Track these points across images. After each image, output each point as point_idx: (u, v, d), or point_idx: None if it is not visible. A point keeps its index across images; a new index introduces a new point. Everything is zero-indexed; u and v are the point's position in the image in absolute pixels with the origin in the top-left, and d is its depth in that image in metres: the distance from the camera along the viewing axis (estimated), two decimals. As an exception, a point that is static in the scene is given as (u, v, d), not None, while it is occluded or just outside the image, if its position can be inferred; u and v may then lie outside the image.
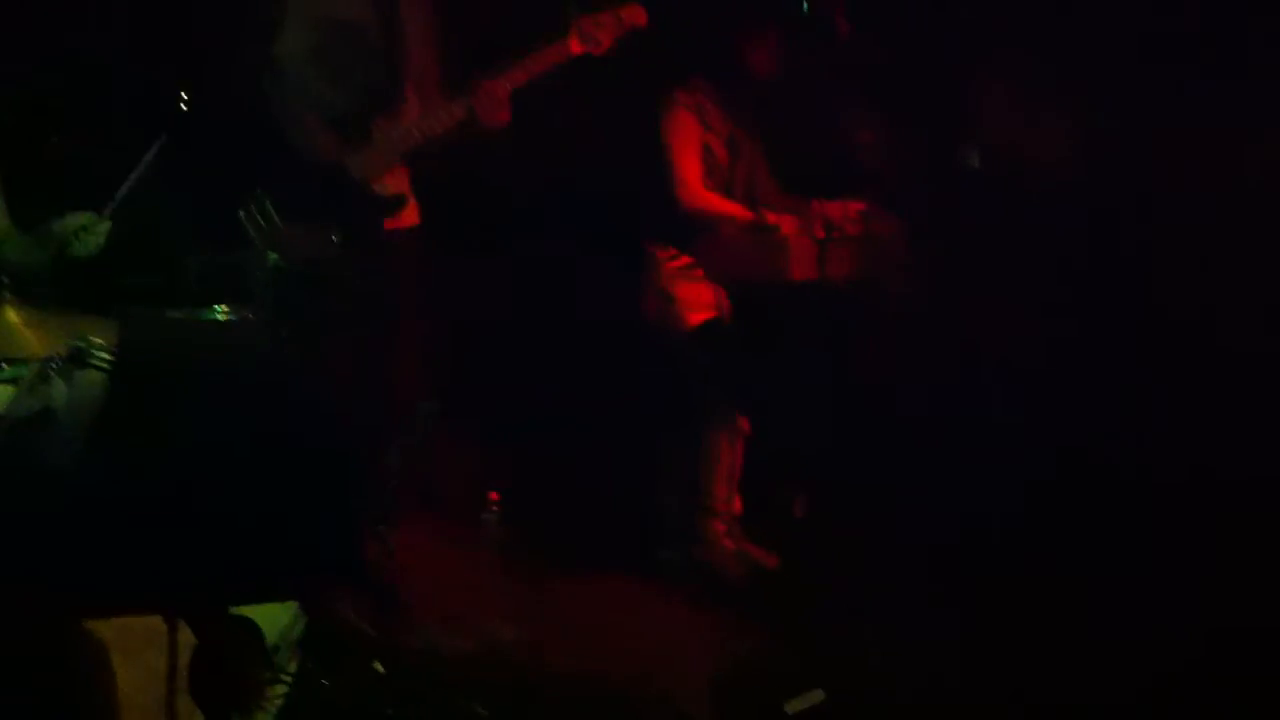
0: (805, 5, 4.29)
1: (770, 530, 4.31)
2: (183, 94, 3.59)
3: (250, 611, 2.67)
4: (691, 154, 4.19)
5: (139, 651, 2.56)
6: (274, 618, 2.81)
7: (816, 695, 3.27)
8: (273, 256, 3.09)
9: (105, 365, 2.06)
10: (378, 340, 3.55)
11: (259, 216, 3.41)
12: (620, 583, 4.03)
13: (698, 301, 4.22)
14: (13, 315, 2.63)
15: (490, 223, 4.43)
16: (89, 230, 3.14)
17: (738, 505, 4.31)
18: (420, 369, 3.72)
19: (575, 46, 3.57)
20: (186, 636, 2.48)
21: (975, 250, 4.41)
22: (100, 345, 2.12)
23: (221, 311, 2.92)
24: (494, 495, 4.15)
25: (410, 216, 3.68)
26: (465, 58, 3.68)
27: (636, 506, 4.34)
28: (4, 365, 2.57)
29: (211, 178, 3.41)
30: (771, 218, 4.13)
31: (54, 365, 2.10)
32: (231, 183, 3.42)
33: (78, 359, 2.08)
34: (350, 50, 3.56)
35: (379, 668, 3.19)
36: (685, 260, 4.23)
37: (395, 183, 3.61)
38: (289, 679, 2.85)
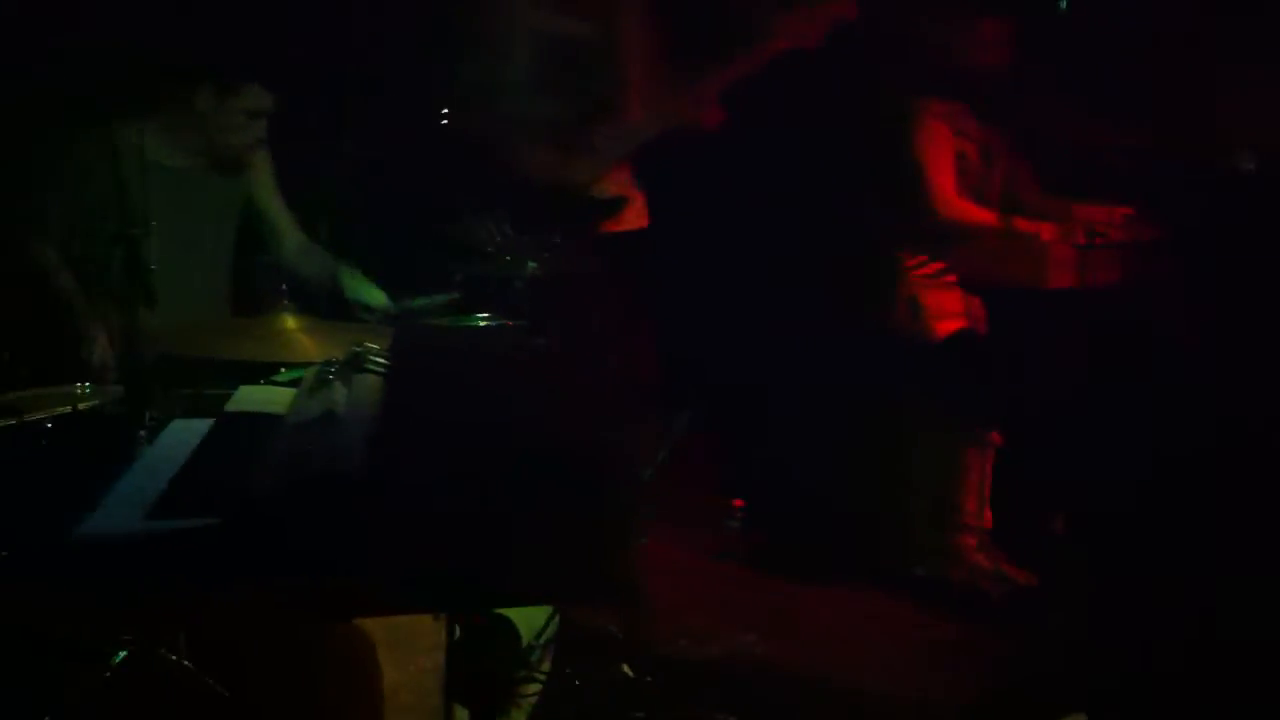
0: (1064, 4, 4.15)
1: (1027, 546, 4.16)
2: (444, 111, 3.73)
3: (507, 610, 2.73)
4: (945, 161, 4.09)
5: (406, 649, 2.66)
6: (530, 617, 2.86)
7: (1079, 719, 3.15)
8: (532, 264, 3.16)
9: (381, 370, 2.13)
10: (625, 345, 3.61)
11: (493, 226, 3.51)
12: (869, 597, 3.96)
13: (948, 310, 4.12)
14: (290, 321, 2.77)
15: (725, 227, 4.42)
16: (378, 309, 3.31)
17: (989, 520, 4.19)
18: (659, 374, 3.75)
19: (781, 43, 3.55)
20: (446, 636, 2.56)
21: (1243, 257, 4.18)
22: (376, 350, 2.19)
23: (482, 319, 3.02)
24: (738, 502, 4.14)
25: (635, 219, 3.74)
26: (679, 62, 3.74)
27: (886, 519, 4.26)
28: (282, 369, 2.72)
29: (444, 192, 3.54)
30: (1029, 224, 4.00)
31: (332, 369, 2.18)
32: (462, 196, 3.54)
33: (355, 363, 2.16)
34: (572, 65, 3.64)
35: (628, 671, 3.22)
36: (936, 267, 4.14)
37: (615, 186, 3.68)
38: (542, 678, 2.90)
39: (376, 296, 3.31)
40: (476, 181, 3.56)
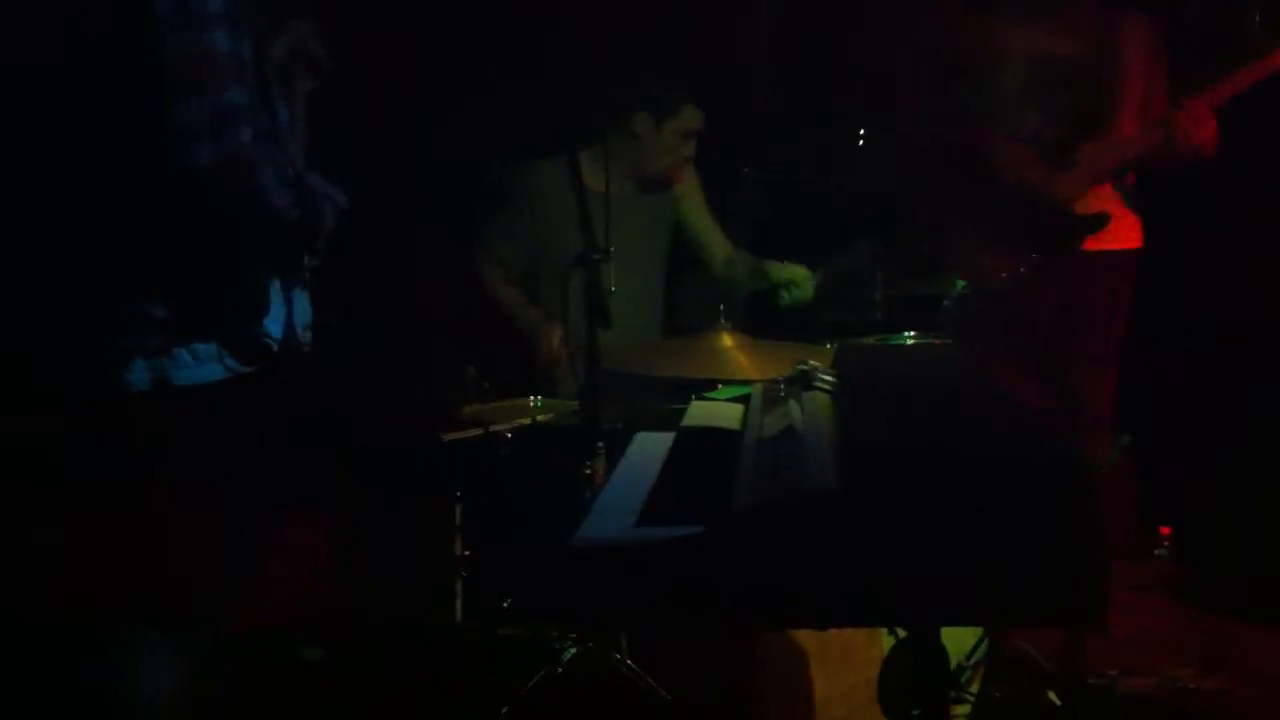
0: None
1: None
2: (861, 132, 3.78)
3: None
4: None
5: (838, 662, 2.70)
6: (959, 639, 2.84)
7: None
8: (960, 283, 3.15)
9: (828, 388, 2.17)
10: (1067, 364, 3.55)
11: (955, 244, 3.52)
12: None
13: None
14: (727, 339, 2.89)
15: (1219, 248, 4.18)
16: (800, 285, 3.47)
17: None
18: (1111, 394, 3.64)
19: None
20: (877, 651, 2.57)
21: None
22: (821, 369, 2.24)
23: (910, 337, 3.03)
24: (1165, 530, 3.96)
25: (1128, 237, 3.66)
26: (1174, 77, 3.63)
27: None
28: (719, 385, 2.82)
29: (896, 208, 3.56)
30: None
31: (781, 388, 2.25)
32: (916, 212, 3.54)
33: (804, 381, 2.21)
34: (1065, 82, 3.59)
35: (1054, 699, 3.14)
36: None
37: (1099, 203, 3.60)
38: (971, 699, 2.87)
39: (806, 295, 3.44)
40: (955, 198, 3.57)
